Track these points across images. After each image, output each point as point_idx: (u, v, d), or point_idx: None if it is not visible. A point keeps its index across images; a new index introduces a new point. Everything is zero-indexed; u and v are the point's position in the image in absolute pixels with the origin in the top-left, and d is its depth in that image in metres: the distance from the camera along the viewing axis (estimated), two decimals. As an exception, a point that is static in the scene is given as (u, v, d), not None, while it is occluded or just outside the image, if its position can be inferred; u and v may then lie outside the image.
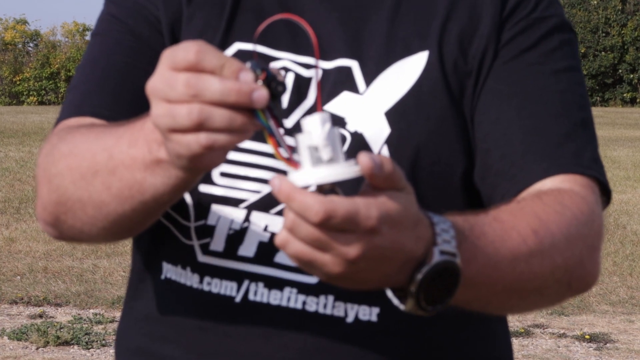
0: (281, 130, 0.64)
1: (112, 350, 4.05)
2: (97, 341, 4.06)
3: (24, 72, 24.68)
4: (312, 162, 0.62)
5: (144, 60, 0.90)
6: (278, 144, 0.63)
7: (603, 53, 21.99)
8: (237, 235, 0.87)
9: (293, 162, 0.63)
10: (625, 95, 21.97)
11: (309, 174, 0.62)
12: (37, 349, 3.98)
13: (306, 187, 0.62)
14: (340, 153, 0.63)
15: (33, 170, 9.06)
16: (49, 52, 25.38)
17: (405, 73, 0.88)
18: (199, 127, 0.62)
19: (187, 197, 0.88)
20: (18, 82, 24.48)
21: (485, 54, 0.89)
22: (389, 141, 0.86)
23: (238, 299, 0.87)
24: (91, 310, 4.52)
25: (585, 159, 0.86)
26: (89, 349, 4.01)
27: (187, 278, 0.89)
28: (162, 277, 0.91)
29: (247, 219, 0.86)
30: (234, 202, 0.86)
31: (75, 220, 0.82)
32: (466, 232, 0.73)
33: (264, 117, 0.63)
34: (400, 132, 0.86)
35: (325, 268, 0.64)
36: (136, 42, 0.92)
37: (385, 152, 0.86)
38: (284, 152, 0.63)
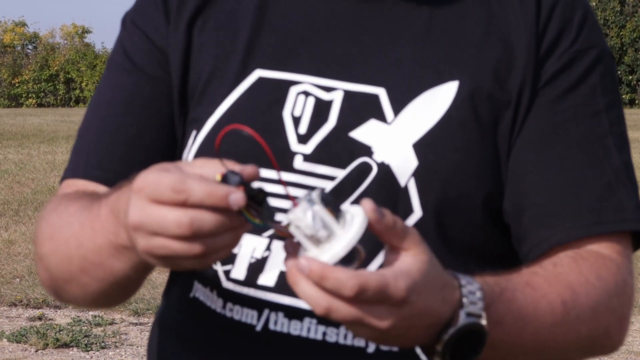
0: (282, 219, 0.65)
1: (111, 352, 4.06)
2: (96, 343, 4.06)
3: (22, 74, 24.69)
4: (317, 244, 0.64)
5: (156, 106, 0.91)
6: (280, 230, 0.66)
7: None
8: (258, 264, 0.86)
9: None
10: (624, 96, 22.18)
11: (325, 253, 0.64)
12: (36, 351, 3.99)
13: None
14: (338, 222, 0.64)
15: (32, 173, 9.00)
16: (48, 54, 25.39)
17: (434, 103, 0.85)
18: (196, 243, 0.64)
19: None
20: (17, 85, 24.49)
21: (524, 86, 0.85)
22: (416, 174, 0.83)
23: (259, 327, 0.86)
24: (90, 313, 4.52)
25: (627, 211, 0.85)
26: (88, 351, 4.01)
27: (213, 301, 0.89)
28: (191, 295, 0.91)
29: (268, 248, 0.86)
30: (256, 231, 0.85)
31: (69, 295, 0.87)
32: (495, 295, 0.74)
33: (250, 217, 0.65)
34: (427, 164, 0.83)
35: (358, 334, 0.68)
36: (149, 85, 0.91)
37: (412, 184, 0.84)
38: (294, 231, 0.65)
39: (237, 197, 0.62)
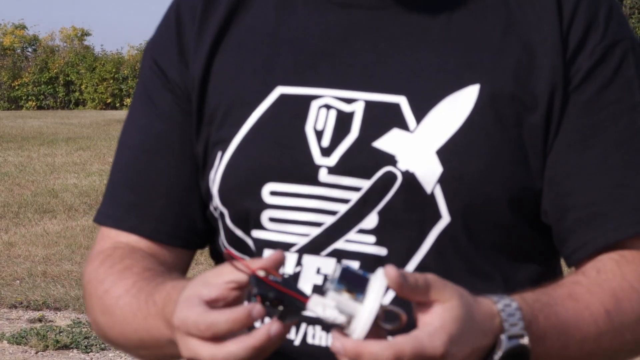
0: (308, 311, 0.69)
1: (111, 354, 4.07)
2: (96, 345, 4.07)
3: (22, 77, 24.62)
4: (346, 323, 0.68)
5: (174, 146, 0.93)
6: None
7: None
8: (290, 279, 0.86)
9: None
10: None
11: (354, 333, 0.67)
12: (36, 352, 3.99)
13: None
14: (358, 298, 0.67)
15: (32, 175, 8.96)
16: (48, 57, 25.31)
17: (456, 109, 0.85)
18: None
19: (249, 241, 0.89)
20: (17, 87, 24.43)
21: (555, 88, 0.84)
22: (441, 180, 0.83)
23: (297, 342, 0.86)
24: (90, 315, 4.53)
25: None
26: (88, 352, 4.03)
27: None
28: None
29: (299, 263, 0.86)
30: (285, 247, 0.85)
31: (121, 349, 0.97)
32: (536, 311, 0.75)
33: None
34: (452, 171, 0.83)
35: None
36: (166, 125, 0.93)
37: (438, 191, 0.83)
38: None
39: (257, 311, 0.68)
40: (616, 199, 0.84)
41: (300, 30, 0.89)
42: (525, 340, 0.72)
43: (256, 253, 0.88)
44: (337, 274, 0.68)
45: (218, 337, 0.69)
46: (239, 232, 0.89)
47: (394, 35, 0.87)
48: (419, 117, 0.84)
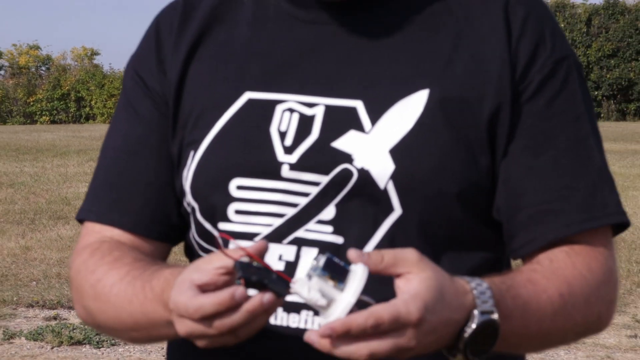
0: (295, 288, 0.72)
1: (121, 349, 4.02)
2: (107, 341, 4.09)
3: (37, 93, 24.85)
4: (324, 308, 0.72)
5: (154, 148, 0.96)
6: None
7: (571, 71, 22.87)
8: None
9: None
10: None
11: (332, 314, 0.72)
12: (52, 348, 4.08)
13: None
14: (340, 286, 0.71)
15: (46, 184, 8.96)
16: (60, 75, 25.53)
17: (407, 112, 0.88)
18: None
19: (216, 233, 0.92)
20: (32, 103, 24.64)
21: (504, 100, 0.88)
22: (393, 177, 0.87)
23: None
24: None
25: (611, 207, 0.90)
26: (99, 348, 4.05)
27: None
28: None
29: None
30: (250, 236, 0.89)
31: (111, 334, 1.01)
32: (503, 292, 0.80)
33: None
34: (404, 168, 0.87)
35: (397, 357, 0.74)
36: (146, 128, 0.97)
37: (391, 186, 0.87)
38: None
39: (239, 293, 0.72)
40: (565, 199, 0.88)
41: (270, 43, 0.94)
42: (495, 316, 0.77)
43: (223, 244, 0.89)
44: (322, 262, 0.71)
45: (207, 318, 0.73)
46: (207, 225, 0.92)
47: (353, 47, 0.91)
48: (373, 119, 0.88)
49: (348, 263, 0.73)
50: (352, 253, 0.73)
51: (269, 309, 0.73)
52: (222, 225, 0.91)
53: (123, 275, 0.89)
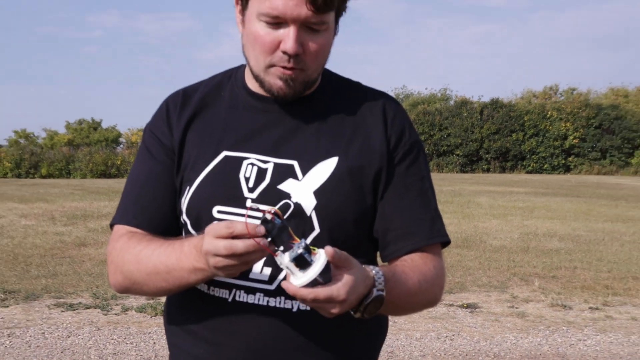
0: (300, 243, 1.06)
1: None
2: None
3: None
4: (299, 273, 1.04)
5: (163, 179, 1.33)
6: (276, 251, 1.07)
7: (471, 143, 33.82)
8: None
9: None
10: (484, 166, 33.66)
11: (299, 280, 1.04)
12: (151, 317, 5.12)
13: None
14: (312, 261, 1.03)
15: None
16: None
17: (325, 169, 1.27)
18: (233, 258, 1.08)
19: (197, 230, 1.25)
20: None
21: (383, 165, 1.29)
22: (315, 208, 1.24)
23: (229, 299, 1.27)
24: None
25: (442, 231, 1.34)
26: None
27: (201, 286, 1.31)
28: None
29: None
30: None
31: (141, 292, 1.31)
32: (389, 276, 1.18)
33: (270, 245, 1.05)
34: (322, 203, 1.25)
35: (323, 314, 1.11)
36: (159, 166, 1.33)
37: (313, 214, 1.25)
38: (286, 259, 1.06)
39: (259, 229, 1.05)
40: (417, 226, 1.33)
41: (239, 121, 1.32)
42: (384, 293, 1.16)
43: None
44: (298, 252, 1.06)
45: (235, 255, 1.06)
46: (195, 234, 1.27)
47: (292, 127, 1.31)
48: (304, 172, 1.26)
49: (312, 259, 1.08)
50: (328, 249, 1.07)
51: (260, 251, 1.08)
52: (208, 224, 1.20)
53: (160, 245, 1.25)
